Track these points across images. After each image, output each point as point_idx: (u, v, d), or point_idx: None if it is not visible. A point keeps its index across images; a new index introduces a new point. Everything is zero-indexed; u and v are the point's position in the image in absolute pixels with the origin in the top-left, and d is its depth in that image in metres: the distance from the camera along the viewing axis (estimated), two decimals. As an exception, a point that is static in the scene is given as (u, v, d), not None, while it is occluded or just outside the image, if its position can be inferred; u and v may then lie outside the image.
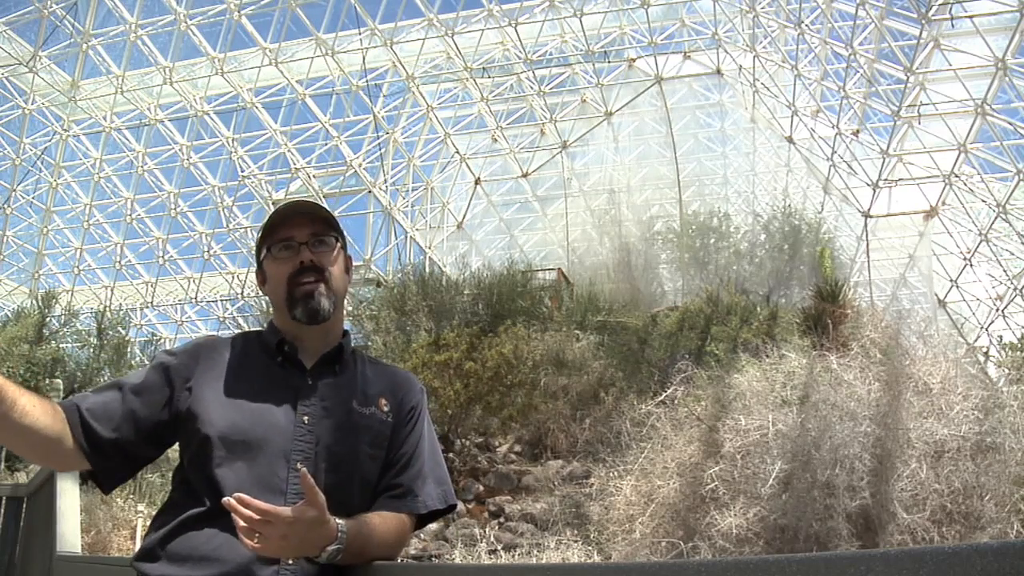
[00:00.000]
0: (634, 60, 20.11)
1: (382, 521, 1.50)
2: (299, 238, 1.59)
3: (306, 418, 1.52)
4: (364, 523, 1.46)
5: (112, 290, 23.56)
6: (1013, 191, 14.78)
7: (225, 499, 1.27)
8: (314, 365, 1.59)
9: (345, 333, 1.67)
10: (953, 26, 13.52)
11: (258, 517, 1.27)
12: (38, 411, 1.40)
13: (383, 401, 1.61)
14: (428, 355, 8.66)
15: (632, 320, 11.36)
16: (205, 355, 1.57)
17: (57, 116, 21.80)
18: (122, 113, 21.41)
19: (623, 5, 18.49)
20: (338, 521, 1.36)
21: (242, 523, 1.26)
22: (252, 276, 23.27)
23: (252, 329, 1.79)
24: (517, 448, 9.17)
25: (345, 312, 1.78)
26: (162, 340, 21.43)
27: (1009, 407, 5.03)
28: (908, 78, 14.23)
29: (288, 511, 1.29)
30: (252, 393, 1.52)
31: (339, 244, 1.65)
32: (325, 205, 1.66)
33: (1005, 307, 16.92)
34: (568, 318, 11.44)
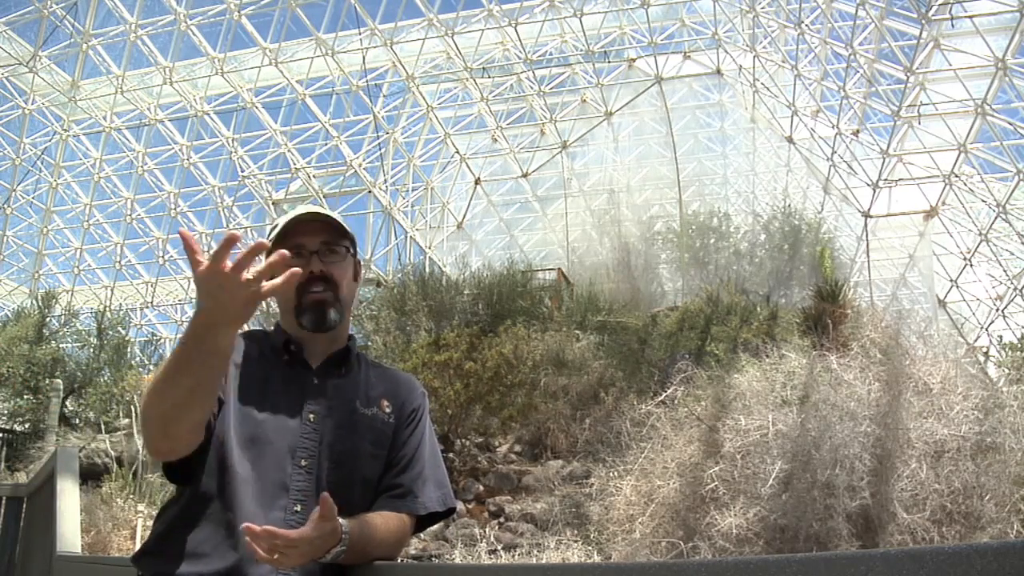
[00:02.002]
0: (634, 60, 20.10)
1: (383, 521, 1.51)
2: (310, 246, 1.60)
3: (312, 416, 1.54)
4: (366, 523, 1.47)
5: (112, 290, 23.55)
6: (1013, 191, 14.78)
7: (244, 526, 1.29)
8: (320, 365, 1.61)
9: (350, 337, 1.69)
10: (953, 26, 13.52)
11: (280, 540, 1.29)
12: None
13: (385, 403, 1.62)
14: (428, 355, 8.65)
15: (632, 320, 11.35)
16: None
17: (57, 116, 21.80)
18: (122, 113, 21.40)
19: (623, 5, 18.49)
20: (341, 521, 1.38)
21: (262, 553, 1.28)
22: (252, 276, 23.35)
23: (255, 329, 1.79)
24: (517, 448, 9.16)
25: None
26: (162, 340, 21.43)
27: (1009, 407, 5.02)
28: (908, 78, 14.23)
29: (308, 532, 1.31)
30: (261, 392, 1.53)
31: (350, 252, 1.66)
32: (333, 213, 1.66)
33: (1005, 307, 16.91)
34: (568, 318, 11.43)
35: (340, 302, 1.61)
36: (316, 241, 1.60)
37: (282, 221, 1.62)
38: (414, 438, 1.63)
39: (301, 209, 1.65)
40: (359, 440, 1.56)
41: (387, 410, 1.62)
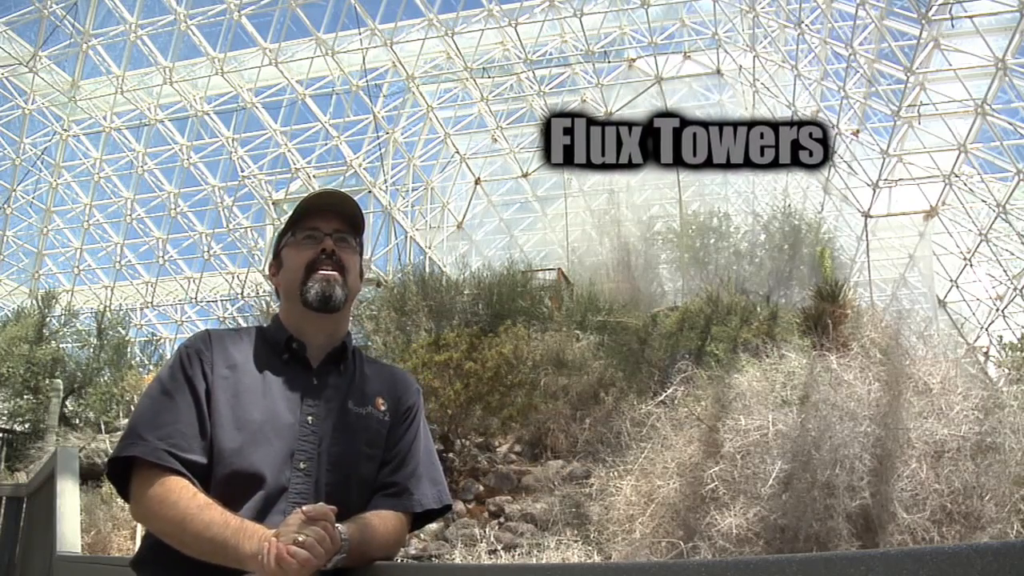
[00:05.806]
0: (634, 60, 20.11)
1: (381, 522, 1.50)
2: (324, 229, 1.62)
3: (310, 418, 1.52)
4: (365, 526, 1.46)
5: (112, 290, 23.55)
6: (1013, 191, 14.79)
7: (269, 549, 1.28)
8: (319, 364, 1.60)
9: (347, 333, 1.68)
10: (953, 26, 13.53)
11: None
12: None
13: (380, 400, 1.61)
14: (428, 355, 8.65)
15: (632, 320, 11.33)
16: (218, 350, 1.56)
17: (57, 116, 21.81)
18: (122, 113, 21.42)
19: (623, 5, 18.50)
20: (340, 528, 1.36)
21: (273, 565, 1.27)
22: (252, 276, 23.15)
23: (254, 326, 1.77)
24: (517, 448, 9.16)
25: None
26: (162, 340, 21.43)
27: (1009, 407, 5.03)
28: (908, 78, 14.24)
29: (323, 560, 1.31)
30: (259, 395, 1.52)
31: (359, 249, 1.68)
32: (354, 204, 1.68)
33: (1005, 307, 16.93)
34: (568, 318, 11.42)
35: (347, 287, 1.61)
36: (330, 227, 1.63)
37: (299, 203, 1.65)
38: (408, 435, 1.62)
39: (326, 191, 1.66)
40: (354, 441, 1.55)
41: (382, 408, 1.60)
